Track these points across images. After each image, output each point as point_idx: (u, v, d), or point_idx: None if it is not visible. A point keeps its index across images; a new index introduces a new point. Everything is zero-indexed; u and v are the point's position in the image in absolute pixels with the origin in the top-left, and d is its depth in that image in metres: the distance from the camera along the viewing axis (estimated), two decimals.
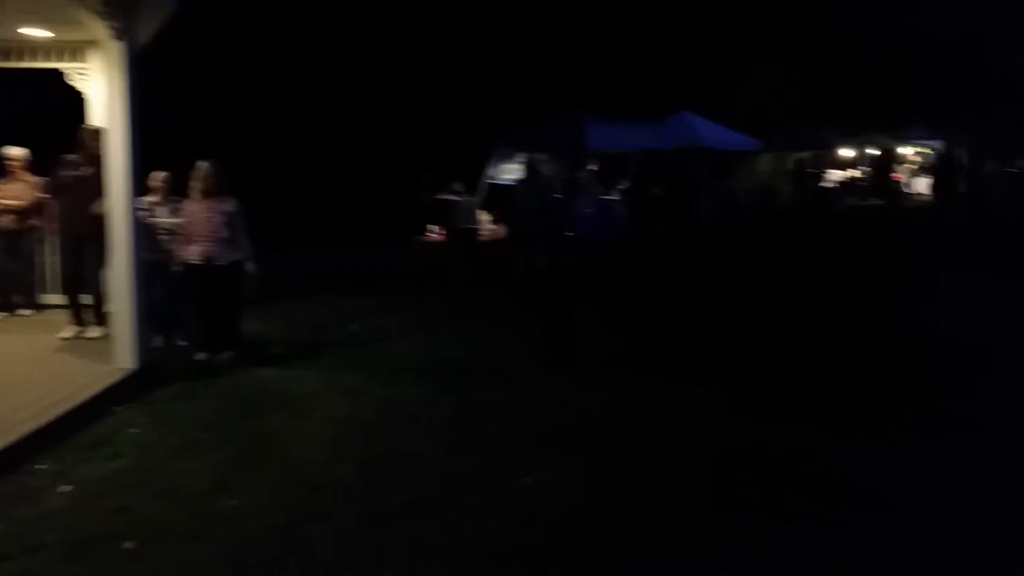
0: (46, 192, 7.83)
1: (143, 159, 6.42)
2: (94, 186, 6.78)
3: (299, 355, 7.61)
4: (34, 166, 8.30)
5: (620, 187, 18.54)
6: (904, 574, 3.46)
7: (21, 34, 7.64)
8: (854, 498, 4.12)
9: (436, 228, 16.95)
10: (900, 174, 25.78)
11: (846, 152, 27.69)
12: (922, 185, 26.74)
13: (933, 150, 27.72)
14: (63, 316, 7.63)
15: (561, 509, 4.09)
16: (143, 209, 6.86)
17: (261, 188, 15.17)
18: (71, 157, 7.32)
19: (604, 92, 19.68)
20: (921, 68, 27.83)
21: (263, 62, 18.04)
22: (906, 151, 27.33)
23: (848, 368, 6.68)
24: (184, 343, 7.32)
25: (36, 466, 4.62)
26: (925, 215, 20.32)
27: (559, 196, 15.11)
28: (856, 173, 27.05)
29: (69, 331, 7.38)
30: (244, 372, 6.87)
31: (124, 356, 6.29)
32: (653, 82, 21.59)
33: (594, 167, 17.83)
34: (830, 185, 24.81)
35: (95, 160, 6.85)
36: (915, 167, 26.93)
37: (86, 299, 7.52)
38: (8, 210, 8.27)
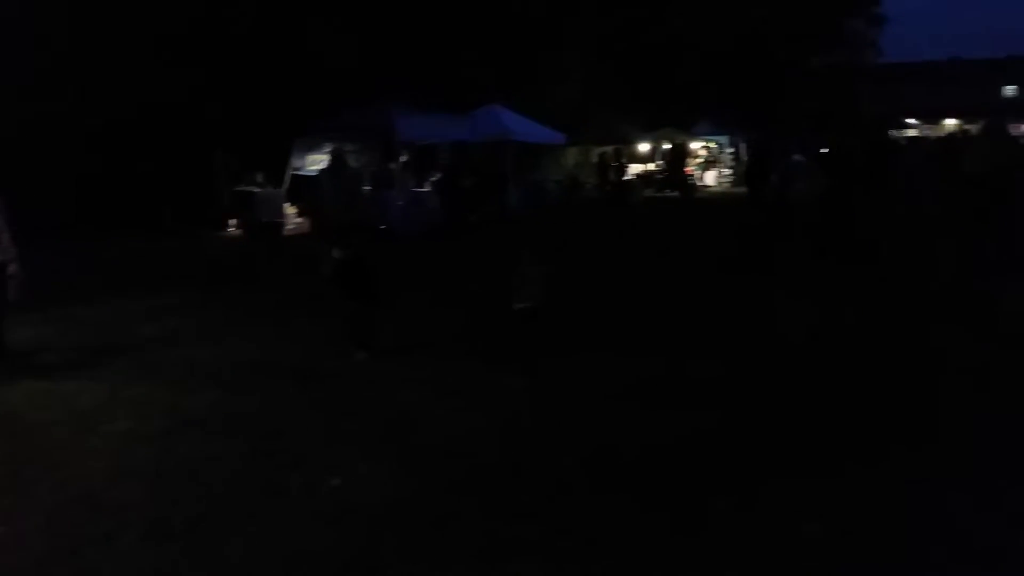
0: None
1: None
2: None
3: (82, 363, 6.93)
4: None
5: (432, 179, 18.58)
6: None
7: None
8: (638, 465, 4.35)
9: (236, 222, 16.08)
10: (691, 167, 27.75)
11: (644, 146, 29.46)
12: (711, 178, 29.05)
13: (719, 144, 30.16)
14: None
15: (370, 511, 3.97)
16: None
17: (31, 176, 13.69)
18: None
19: (413, 82, 19.50)
20: (708, 66, 30.14)
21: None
22: (696, 145, 29.50)
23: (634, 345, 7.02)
24: None
25: None
26: (728, 206, 22.01)
27: (369, 187, 14.90)
28: (652, 166, 28.83)
29: None
30: (13, 385, 6.14)
31: None
32: (461, 75, 21.73)
33: (405, 158, 17.70)
34: (630, 178, 26.26)
35: None
36: (704, 160, 29.12)
37: None
38: None
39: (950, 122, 44.21)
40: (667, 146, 28.57)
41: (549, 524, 3.77)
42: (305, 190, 14.81)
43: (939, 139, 26.17)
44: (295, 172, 16.83)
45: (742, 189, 27.53)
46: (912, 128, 46.54)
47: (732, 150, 30.44)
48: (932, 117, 46.92)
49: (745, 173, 18.72)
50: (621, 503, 3.97)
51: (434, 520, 3.85)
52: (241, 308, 9.32)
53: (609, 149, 26.26)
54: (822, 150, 19.26)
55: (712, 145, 29.95)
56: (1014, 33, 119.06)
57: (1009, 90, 52.59)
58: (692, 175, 27.51)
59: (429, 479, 4.34)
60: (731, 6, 29.05)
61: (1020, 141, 30.42)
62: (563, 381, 6.08)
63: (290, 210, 15.63)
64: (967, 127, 31.81)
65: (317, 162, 15.32)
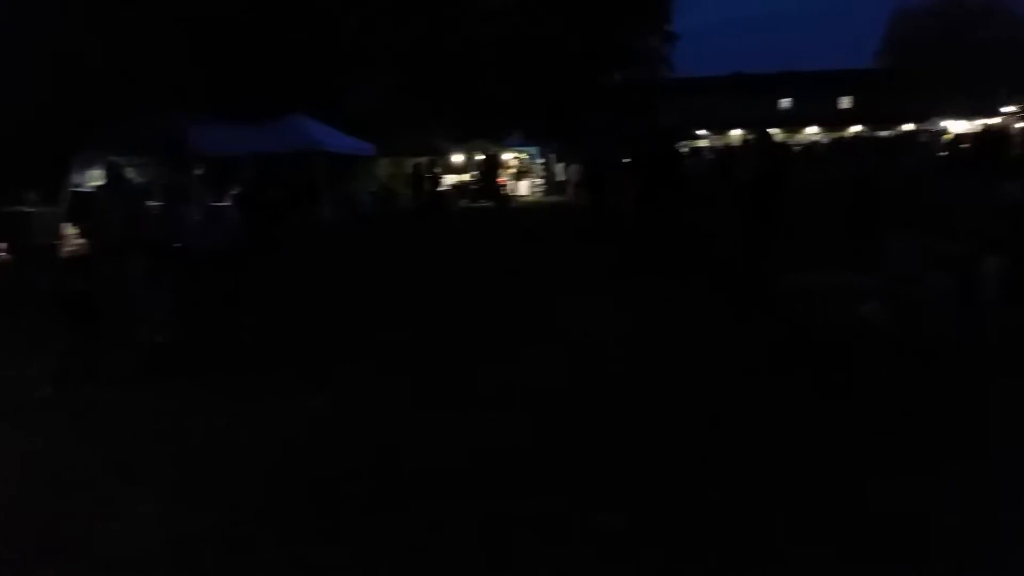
0: None
1: None
2: None
3: None
4: None
5: (232, 192, 17.61)
6: None
7: None
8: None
9: (5, 246, 14.39)
10: (504, 178, 28.34)
11: (458, 158, 29.73)
12: (524, 187, 29.80)
13: (530, 155, 31.02)
14: None
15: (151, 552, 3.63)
16: None
17: None
18: None
19: (208, 92, 18.46)
20: (511, 79, 30.93)
21: None
22: (508, 156, 30.17)
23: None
24: None
25: None
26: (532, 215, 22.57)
27: (159, 203, 13.85)
28: (467, 177, 29.17)
29: None
30: None
31: None
32: (263, 85, 20.86)
33: (199, 171, 16.67)
34: (445, 188, 26.40)
35: None
36: (516, 171, 29.82)
37: None
38: None
39: (736, 132, 48.29)
40: (480, 157, 29.03)
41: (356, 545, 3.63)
42: (84, 208, 13.53)
43: (720, 149, 28.47)
44: (74, 189, 15.37)
45: (555, 198, 28.74)
46: (702, 139, 50.39)
47: (543, 161, 31.42)
48: (720, 128, 51.03)
49: (584, 184, 19.29)
50: (419, 516, 3.87)
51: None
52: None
53: (423, 160, 26.26)
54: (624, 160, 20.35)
55: (523, 156, 30.75)
56: (789, 49, 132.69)
57: (785, 102, 58.38)
58: (505, 185, 28.10)
59: (200, 516, 4.03)
60: (526, 21, 30.06)
61: (791, 148, 33.51)
62: (352, 395, 5.91)
63: (69, 230, 14.21)
64: (749, 136, 34.66)
65: (97, 178, 14.07)
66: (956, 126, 44.36)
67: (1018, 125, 36.27)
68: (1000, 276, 6.26)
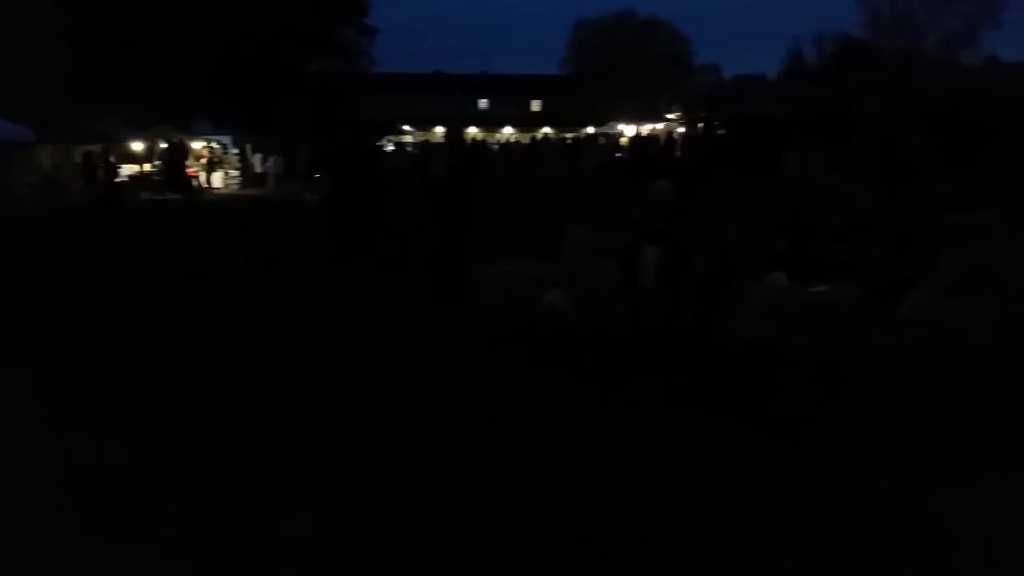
0: None
1: None
2: None
3: None
4: None
5: None
6: None
7: None
8: None
9: None
10: (194, 168, 26.35)
11: (138, 145, 27.01)
12: (217, 179, 27.88)
13: (223, 144, 29.14)
14: None
15: None
16: None
17: None
18: None
19: None
20: (208, 65, 28.87)
21: None
22: (197, 145, 28.07)
23: None
24: None
25: None
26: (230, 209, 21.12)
27: None
28: (149, 167, 26.65)
29: None
30: None
31: None
32: None
33: None
34: (123, 179, 23.86)
35: None
36: (208, 161, 27.83)
37: None
38: None
39: (439, 129, 49.68)
40: (164, 145, 26.66)
41: None
42: None
43: (420, 145, 29.15)
44: None
45: (253, 191, 27.28)
46: (407, 134, 51.16)
47: (237, 151, 29.67)
48: (424, 124, 52.16)
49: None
50: None
51: None
52: None
53: (96, 148, 23.49)
54: (325, 154, 19.83)
55: (215, 145, 28.79)
56: (485, 52, 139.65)
57: (483, 103, 61.35)
58: (196, 176, 26.13)
59: None
60: (216, 6, 28.27)
61: (488, 146, 35.06)
62: None
63: None
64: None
65: None
66: (629, 130, 49.84)
67: (680, 130, 41.67)
68: (655, 264, 7.01)
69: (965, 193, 13.11)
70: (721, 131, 28.40)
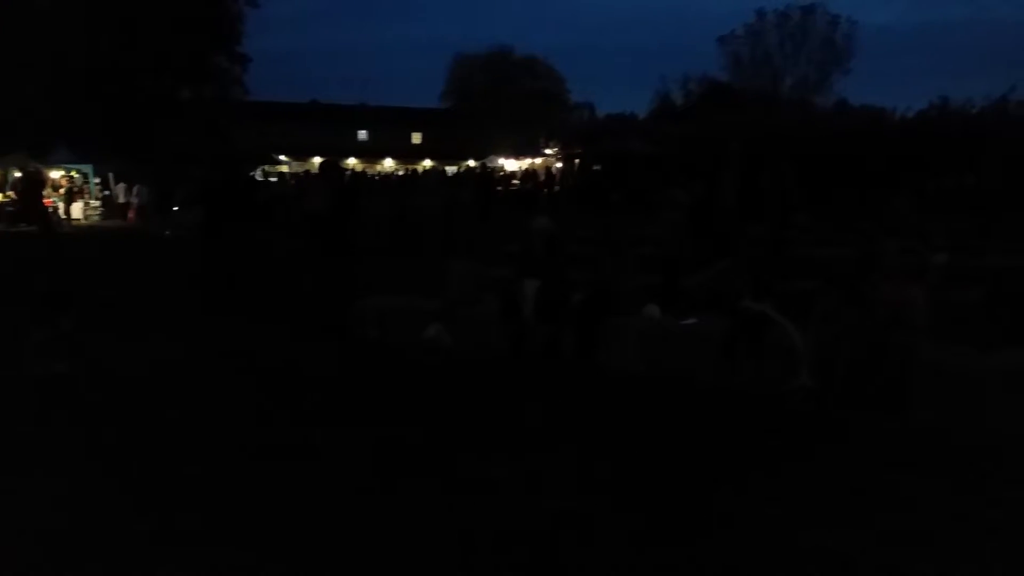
0: None
1: None
2: None
3: None
4: None
5: None
6: None
7: None
8: None
9: None
10: (51, 199, 24.70)
11: None
12: (77, 210, 26.21)
13: (83, 174, 27.51)
14: None
15: None
16: None
17: None
18: None
19: None
20: (68, 92, 27.31)
21: None
22: (56, 174, 26.37)
23: None
24: None
25: None
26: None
27: None
28: (1, 197, 24.79)
29: None
30: None
31: None
32: None
33: None
34: None
35: None
36: (67, 190, 26.17)
37: None
38: None
39: (316, 159, 48.83)
40: (18, 174, 24.89)
41: None
42: None
43: (300, 176, 28.60)
44: None
45: (115, 222, 25.79)
46: (283, 164, 50.05)
47: (98, 180, 28.04)
48: (300, 154, 51.22)
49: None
50: None
51: None
52: None
53: None
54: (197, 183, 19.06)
55: (75, 175, 27.12)
56: (366, 83, 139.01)
57: (362, 134, 60.87)
58: (54, 207, 24.48)
59: None
60: (78, 28, 26.88)
61: (368, 177, 34.83)
62: None
63: None
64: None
65: None
66: (509, 164, 50.74)
67: (558, 165, 42.78)
68: (535, 297, 7.14)
69: (821, 223, 14.14)
70: (596, 167, 29.41)
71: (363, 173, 40.07)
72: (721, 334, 6.13)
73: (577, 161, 34.50)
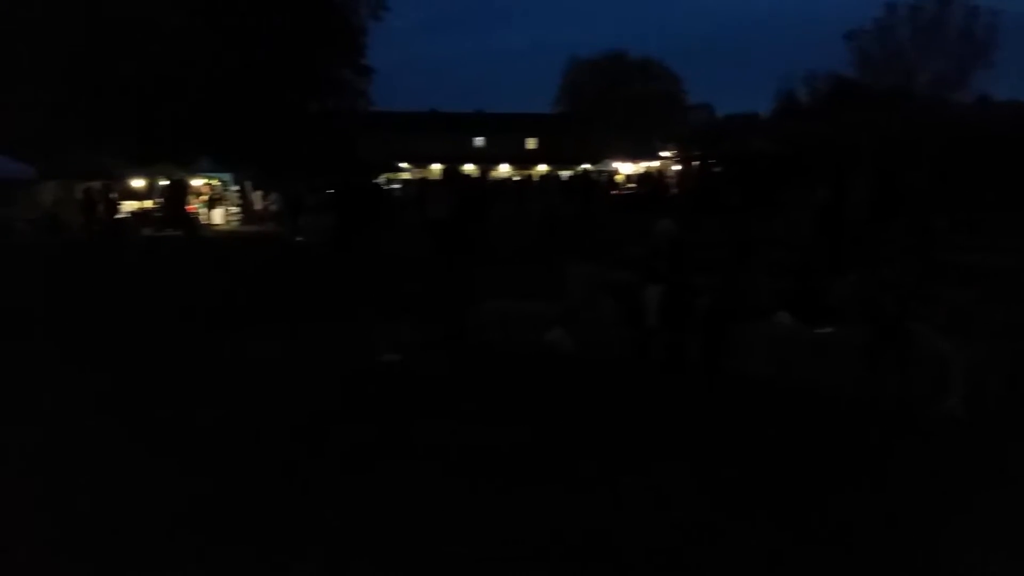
0: None
1: None
2: None
3: None
4: None
5: None
6: None
7: None
8: None
9: None
10: (194, 205, 26.43)
11: (139, 182, 27.13)
12: (218, 216, 27.97)
13: (223, 182, 29.29)
14: None
15: None
16: None
17: None
18: None
19: None
20: (209, 106, 29.19)
21: None
22: (198, 182, 28.20)
23: None
24: None
25: None
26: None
27: None
28: (150, 204, 26.74)
29: None
30: None
31: None
32: None
33: None
34: (124, 215, 23.94)
35: None
36: (208, 198, 27.94)
37: None
38: None
39: (435, 166, 50.04)
40: (165, 182, 26.79)
41: None
42: None
43: (417, 182, 29.33)
44: None
45: (253, 227, 27.31)
46: (404, 171, 51.57)
47: (237, 188, 29.81)
48: (421, 162, 52.62)
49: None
50: None
51: None
52: None
53: (97, 184, 23.60)
54: (328, 191, 19.98)
55: (216, 183, 28.93)
56: (482, 91, 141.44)
57: (478, 141, 61.93)
58: (196, 213, 26.21)
59: None
60: (218, 47, 28.63)
61: (486, 183, 35.33)
62: None
63: None
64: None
65: None
66: (625, 167, 50.22)
67: (675, 168, 42.01)
68: (659, 302, 7.03)
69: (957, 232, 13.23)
70: (716, 168, 28.68)
71: (481, 179, 40.72)
72: (862, 344, 5.82)
73: (696, 163, 33.75)
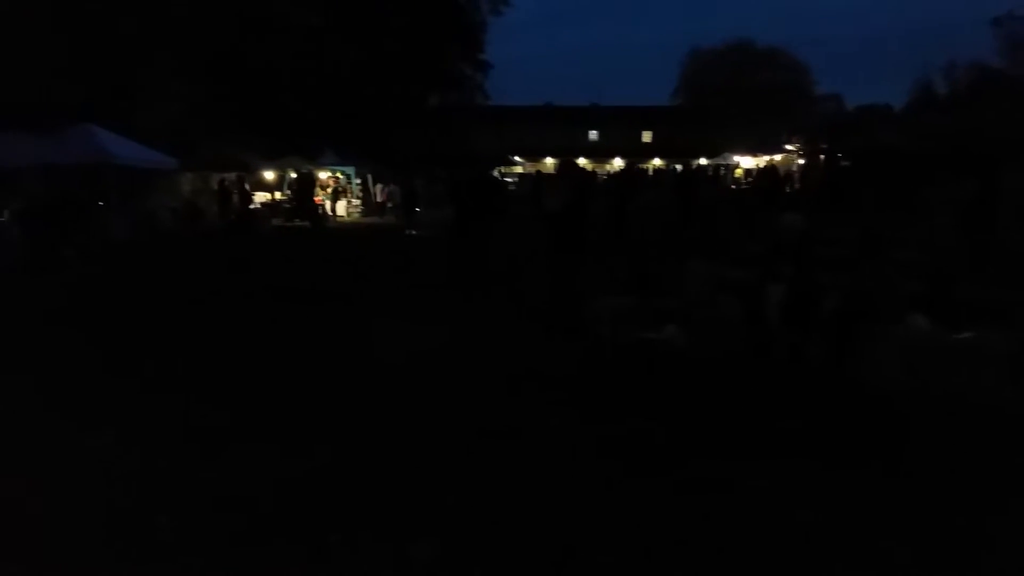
0: None
1: None
2: None
3: None
4: None
5: (12, 208, 15.91)
6: None
7: None
8: None
9: None
10: (320, 197, 27.56)
11: (269, 174, 28.57)
12: (341, 208, 29.11)
13: (346, 175, 30.42)
14: None
15: None
16: None
17: None
18: None
19: None
20: (336, 99, 30.36)
21: None
22: (323, 175, 29.41)
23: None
24: None
25: None
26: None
27: None
28: (279, 195, 28.09)
29: None
30: None
31: None
32: (42, 90, 18.90)
33: None
34: (256, 206, 25.25)
35: None
36: (332, 190, 29.06)
37: None
38: None
39: (549, 160, 50.17)
40: (294, 175, 28.08)
41: None
42: None
43: (532, 176, 29.38)
44: None
45: (373, 219, 28.30)
46: (517, 165, 51.89)
47: (359, 181, 30.89)
48: (534, 156, 52.84)
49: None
50: None
51: None
52: None
53: (232, 176, 24.99)
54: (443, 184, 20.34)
55: (340, 175, 30.10)
56: (598, 83, 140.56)
57: (593, 134, 61.54)
58: (322, 205, 27.35)
59: None
60: (344, 44, 29.68)
61: (597, 177, 34.98)
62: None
63: None
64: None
65: None
66: (745, 161, 48.70)
67: (799, 162, 40.44)
68: (782, 301, 6.79)
69: None
70: (845, 163, 27.39)
71: (593, 173, 40.51)
72: (1009, 351, 5.42)
73: (822, 157, 32.34)
